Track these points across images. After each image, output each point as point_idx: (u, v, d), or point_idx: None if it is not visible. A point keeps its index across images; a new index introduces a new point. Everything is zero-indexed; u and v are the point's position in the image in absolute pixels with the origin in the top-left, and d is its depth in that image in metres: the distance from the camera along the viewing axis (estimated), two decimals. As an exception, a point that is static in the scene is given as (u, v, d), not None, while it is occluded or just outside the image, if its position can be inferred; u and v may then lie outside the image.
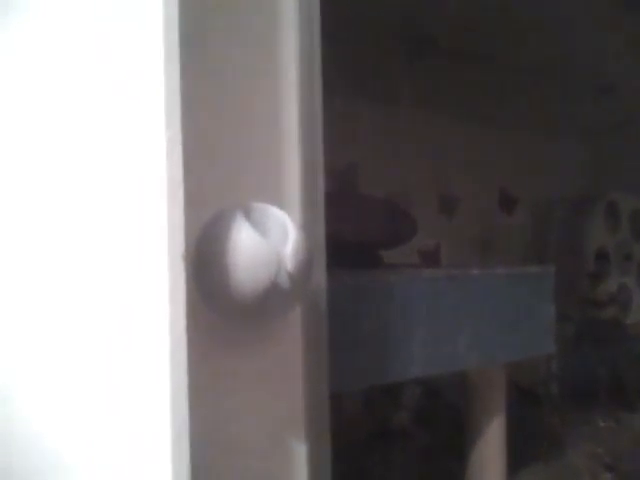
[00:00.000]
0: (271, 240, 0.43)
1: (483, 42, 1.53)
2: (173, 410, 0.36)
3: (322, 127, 0.53)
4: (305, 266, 0.44)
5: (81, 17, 0.47)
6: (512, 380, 0.94)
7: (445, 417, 1.05)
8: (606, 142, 2.02)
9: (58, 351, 0.48)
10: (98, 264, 0.44)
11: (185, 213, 0.37)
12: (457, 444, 0.95)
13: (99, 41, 0.44)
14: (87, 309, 0.45)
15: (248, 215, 0.43)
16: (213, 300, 0.43)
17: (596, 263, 1.67)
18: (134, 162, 0.40)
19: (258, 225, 0.43)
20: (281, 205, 0.48)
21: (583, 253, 1.67)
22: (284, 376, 0.51)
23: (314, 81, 0.53)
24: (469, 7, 1.41)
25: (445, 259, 1.59)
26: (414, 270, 0.70)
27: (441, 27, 1.52)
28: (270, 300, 0.43)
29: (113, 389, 0.42)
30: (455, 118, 1.73)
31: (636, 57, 1.65)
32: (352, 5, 1.33)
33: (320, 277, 0.53)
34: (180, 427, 0.37)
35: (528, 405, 1.12)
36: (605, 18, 1.47)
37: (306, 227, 0.51)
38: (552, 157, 1.85)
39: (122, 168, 0.41)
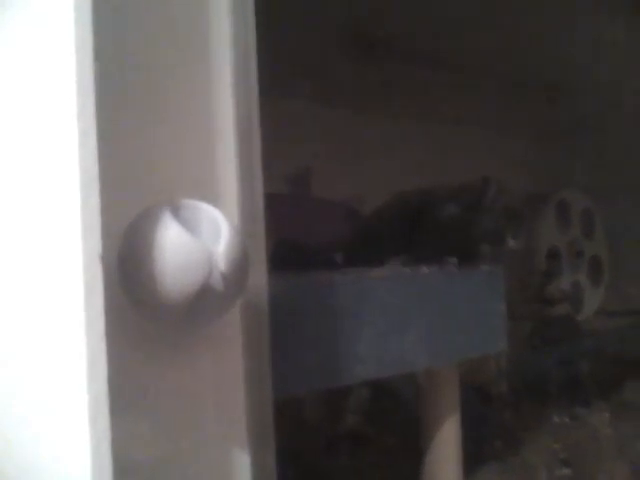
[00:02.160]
0: (202, 239, 0.40)
1: (432, 43, 1.53)
2: (92, 427, 0.33)
3: (259, 121, 0.51)
4: (240, 266, 0.42)
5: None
6: (466, 379, 0.93)
7: (403, 417, 1.04)
8: (557, 141, 2.05)
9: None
10: (12, 266, 0.40)
11: (103, 210, 0.34)
12: (415, 445, 0.94)
13: (8, 35, 0.41)
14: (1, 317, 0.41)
15: (177, 212, 0.40)
16: (140, 304, 0.40)
17: (548, 261, 1.69)
18: (48, 157, 0.37)
19: (188, 223, 0.41)
20: (215, 202, 0.45)
21: (535, 251, 1.68)
22: (223, 383, 0.48)
23: (249, 75, 0.51)
24: (419, 8, 1.41)
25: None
26: (361, 270, 0.68)
27: (390, 28, 1.52)
28: (203, 303, 0.41)
29: (29, 403, 0.39)
30: (407, 118, 1.73)
31: (586, 58, 1.68)
32: (301, 10, 1.32)
33: (260, 278, 0.51)
34: (100, 447, 0.34)
35: (482, 403, 1.11)
36: (557, 20, 1.49)
37: (244, 225, 0.49)
38: (503, 156, 1.87)
39: (37, 163, 0.38)
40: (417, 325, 0.71)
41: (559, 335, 1.53)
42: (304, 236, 1.32)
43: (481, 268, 0.81)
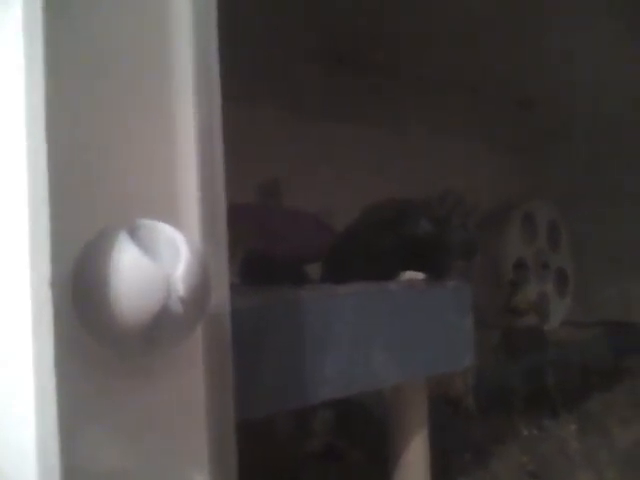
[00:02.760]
0: (160, 261, 0.39)
1: (401, 56, 1.54)
2: (40, 460, 0.32)
3: (222, 140, 0.50)
4: (200, 289, 0.41)
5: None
6: (434, 393, 0.93)
7: (373, 433, 1.03)
8: (524, 154, 2.08)
9: None
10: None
11: (53, 233, 0.33)
12: (384, 460, 0.93)
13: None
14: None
15: (134, 233, 0.39)
16: (96, 330, 0.39)
17: (515, 272, 1.70)
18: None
19: (146, 244, 0.39)
20: (176, 222, 0.44)
21: (502, 262, 1.70)
22: (184, 407, 0.47)
23: (212, 92, 0.49)
24: (387, 22, 1.42)
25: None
26: (328, 287, 0.67)
27: (358, 42, 1.52)
28: (161, 327, 0.39)
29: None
30: (377, 132, 1.73)
31: (554, 73, 1.70)
32: (271, 25, 1.32)
33: (223, 298, 0.49)
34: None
35: (451, 417, 1.11)
36: (525, 33, 1.51)
37: (205, 245, 0.47)
38: (471, 168, 1.88)
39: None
40: (383, 342, 0.70)
41: (526, 346, 1.54)
42: (274, 248, 1.30)
43: (448, 284, 0.81)
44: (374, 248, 0.95)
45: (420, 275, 0.82)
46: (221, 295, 0.49)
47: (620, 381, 1.71)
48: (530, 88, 1.81)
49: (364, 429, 1.01)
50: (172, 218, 0.44)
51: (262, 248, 1.31)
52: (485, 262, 1.73)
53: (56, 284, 0.33)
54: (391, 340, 0.72)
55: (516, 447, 1.21)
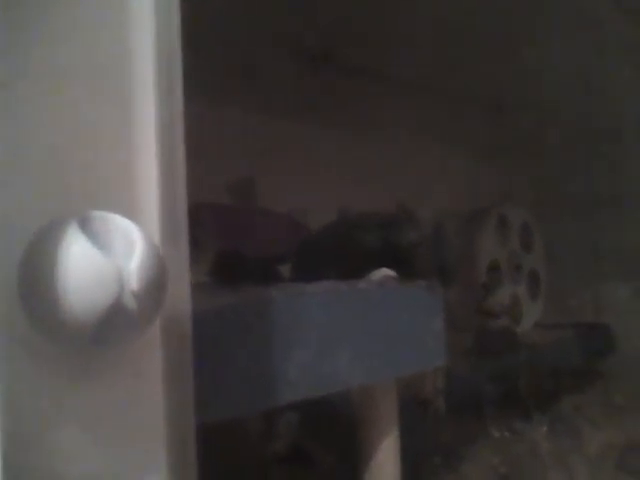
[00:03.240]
0: (113, 254, 0.37)
1: (373, 57, 1.54)
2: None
3: (183, 135, 0.48)
4: (155, 284, 0.39)
5: None
6: (405, 393, 0.92)
7: (342, 435, 1.02)
8: (497, 157, 2.09)
9: None
10: None
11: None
12: (353, 464, 0.92)
13: None
14: None
15: (85, 225, 0.37)
16: (44, 326, 0.37)
17: (488, 274, 1.71)
18: None
19: (98, 237, 0.37)
20: (133, 214, 0.42)
21: (476, 265, 1.70)
22: (140, 409, 0.45)
23: (173, 85, 0.48)
24: (360, 23, 1.41)
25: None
26: (296, 286, 0.65)
27: (335, 42, 1.52)
28: (114, 324, 0.38)
29: None
30: (352, 133, 1.73)
31: (528, 78, 1.71)
32: (247, 23, 1.31)
33: (183, 295, 0.48)
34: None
35: (422, 418, 1.10)
36: (496, 38, 1.52)
37: (165, 239, 0.46)
38: (446, 172, 1.89)
39: None
40: (351, 342, 0.69)
41: (499, 348, 1.54)
42: (246, 247, 1.29)
43: (419, 283, 0.80)
44: (356, 250, 0.95)
45: (392, 273, 0.81)
46: (181, 293, 0.48)
47: (591, 383, 1.72)
48: (504, 93, 1.82)
49: (333, 431, 1.00)
50: (129, 212, 0.43)
51: (235, 247, 1.29)
52: (459, 264, 1.73)
53: (1, 278, 0.31)
54: (360, 340, 0.70)
55: (487, 449, 1.21)
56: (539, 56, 1.60)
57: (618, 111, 1.93)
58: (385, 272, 0.82)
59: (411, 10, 1.34)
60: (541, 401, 1.44)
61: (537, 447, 1.23)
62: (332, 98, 1.60)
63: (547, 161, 2.09)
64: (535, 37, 1.53)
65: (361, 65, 1.60)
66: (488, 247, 1.74)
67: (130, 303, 0.37)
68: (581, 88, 1.78)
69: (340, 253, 0.93)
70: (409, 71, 1.61)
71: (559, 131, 1.98)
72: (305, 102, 1.56)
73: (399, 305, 0.77)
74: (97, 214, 0.38)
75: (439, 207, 1.77)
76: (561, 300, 2.05)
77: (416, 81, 1.65)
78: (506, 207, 1.82)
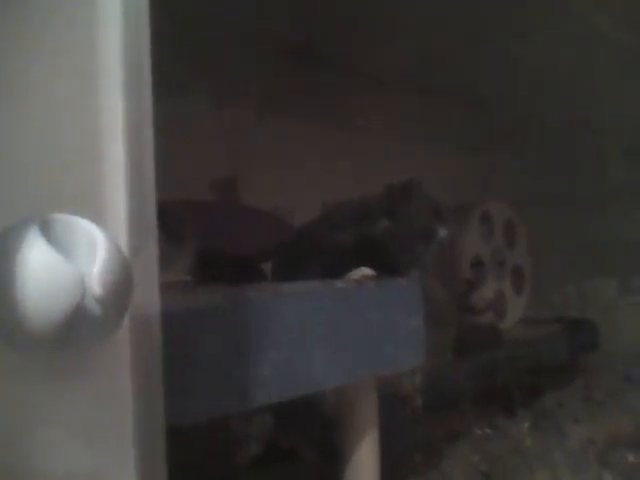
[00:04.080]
0: (75, 259, 0.37)
1: (358, 53, 1.54)
2: None
3: (151, 128, 0.47)
4: (119, 288, 0.38)
5: None
6: (386, 390, 0.92)
7: (324, 433, 1.01)
8: (480, 153, 2.09)
9: None
10: None
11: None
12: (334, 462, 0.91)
13: None
14: None
15: (46, 229, 0.37)
16: (3, 332, 0.36)
17: (472, 270, 1.71)
18: None
19: (59, 241, 0.37)
20: (99, 216, 0.42)
21: (459, 261, 1.70)
22: (109, 414, 0.44)
23: (141, 84, 0.47)
24: (344, 19, 1.41)
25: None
26: (271, 285, 0.65)
27: (319, 39, 1.51)
28: (76, 329, 0.37)
29: None
30: (337, 128, 1.72)
31: (510, 74, 1.72)
32: (230, 20, 1.30)
33: (151, 296, 0.47)
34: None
35: (402, 415, 1.10)
36: (480, 35, 1.51)
37: (133, 241, 0.45)
38: (427, 167, 1.89)
39: None
40: (329, 342, 0.69)
41: (482, 344, 1.54)
42: (229, 245, 1.28)
43: (398, 281, 0.80)
44: (329, 247, 0.93)
45: (370, 272, 0.80)
46: (150, 293, 0.47)
47: (574, 379, 1.73)
48: (487, 88, 1.82)
49: (312, 428, 1.00)
50: (96, 214, 0.42)
51: (217, 245, 1.28)
52: (442, 259, 1.73)
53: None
54: (337, 340, 0.70)
55: (468, 446, 1.21)
56: (522, 51, 1.60)
57: (601, 106, 1.94)
58: (364, 271, 0.81)
59: (395, 7, 1.34)
60: (524, 397, 1.44)
61: (519, 443, 1.24)
62: (316, 95, 1.60)
63: (530, 157, 2.09)
64: (518, 32, 1.53)
65: (347, 61, 1.59)
66: (471, 243, 1.74)
67: (93, 308, 0.37)
68: (565, 83, 1.78)
69: (317, 251, 0.92)
70: (392, 67, 1.61)
71: (542, 127, 1.99)
72: (288, 99, 1.56)
73: (377, 304, 0.76)
74: (58, 217, 0.38)
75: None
76: (545, 296, 2.06)
77: (399, 77, 1.64)
78: (489, 203, 1.83)
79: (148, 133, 0.48)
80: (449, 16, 1.37)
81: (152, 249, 0.47)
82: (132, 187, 0.45)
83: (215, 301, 0.57)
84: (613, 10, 1.42)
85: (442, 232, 0.93)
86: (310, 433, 0.95)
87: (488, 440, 1.25)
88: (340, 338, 0.70)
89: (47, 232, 0.36)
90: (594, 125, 2.02)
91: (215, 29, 1.31)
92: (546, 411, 1.46)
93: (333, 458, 0.89)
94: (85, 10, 0.44)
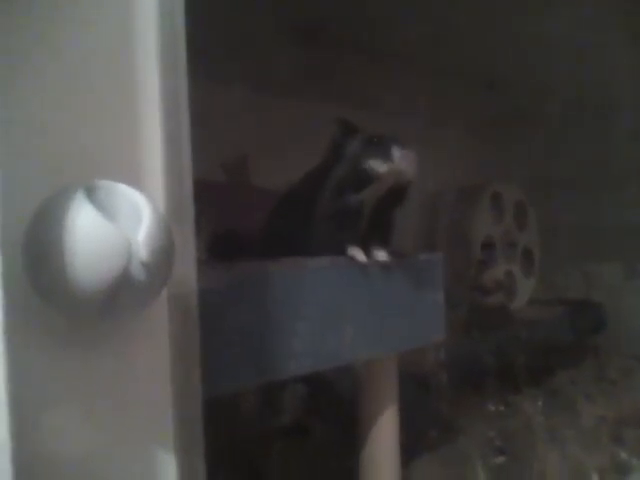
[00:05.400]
0: (120, 224, 0.37)
1: (368, 31, 1.52)
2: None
3: (188, 108, 0.47)
4: (163, 255, 0.38)
5: None
6: (404, 368, 0.92)
7: (342, 409, 1.02)
8: (491, 135, 2.08)
9: None
10: None
11: (3, 193, 0.30)
12: (353, 437, 0.92)
13: None
14: None
15: (92, 194, 0.37)
16: (50, 296, 0.36)
17: (483, 251, 1.71)
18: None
19: (105, 206, 0.37)
20: (139, 185, 0.42)
21: (470, 242, 1.70)
22: (148, 380, 0.44)
23: (177, 52, 0.47)
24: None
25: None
26: (297, 260, 0.65)
27: (324, 16, 1.50)
28: (122, 294, 0.37)
29: None
30: (345, 108, 1.71)
31: (522, 55, 1.70)
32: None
33: (188, 267, 0.47)
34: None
35: (420, 393, 1.11)
36: (492, 14, 1.50)
37: (170, 210, 0.45)
38: (440, 148, 1.88)
39: None
40: (353, 316, 0.69)
41: (493, 324, 1.55)
42: (245, 225, 1.28)
43: (419, 257, 0.80)
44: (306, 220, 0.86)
45: (383, 255, 0.76)
46: (187, 265, 0.47)
47: (584, 358, 1.74)
48: (499, 70, 1.80)
49: (333, 405, 1.00)
50: (135, 181, 0.42)
51: (231, 225, 1.28)
52: (454, 240, 1.73)
53: (6, 247, 0.31)
54: (362, 315, 0.70)
55: (483, 423, 1.22)
56: (534, 32, 1.59)
57: (613, 89, 1.93)
58: (355, 251, 0.76)
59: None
60: (535, 376, 1.45)
61: (532, 421, 1.24)
62: (329, 76, 1.59)
63: (541, 139, 2.08)
64: (529, 13, 1.52)
65: (353, 39, 1.58)
66: (482, 224, 1.74)
67: (139, 274, 0.37)
68: (576, 65, 1.77)
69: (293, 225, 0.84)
70: (403, 46, 1.59)
71: (553, 109, 1.97)
72: (300, 80, 1.55)
73: (401, 281, 0.77)
74: (103, 183, 0.38)
75: (435, 184, 1.77)
76: (554, 278, 2.06)
77: (410, 56, 1.63)
78: (500, 185, 1.82)
79: (184, 106, 0.48)
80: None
81: (189, 219, 0.48)
82: (169, 159, 0.45)
83: (247, 275, 0.57)
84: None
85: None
86: (331, 407, 0.96)
87: (502, 417, 1.26)
88: (366, 313, 0.70)
89: (93, 198, 0.36)
90: (602, 108, 2.01)
91: (227, 9, 1.30)
92: (557, 389, 1.46)
93: (352, 434, 0.90)
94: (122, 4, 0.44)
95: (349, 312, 0.68)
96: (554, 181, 2.11)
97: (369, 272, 0.72)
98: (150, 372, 0.44)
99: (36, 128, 0.37)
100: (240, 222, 1.30)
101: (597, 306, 1.94)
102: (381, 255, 0.75)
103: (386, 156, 0.73)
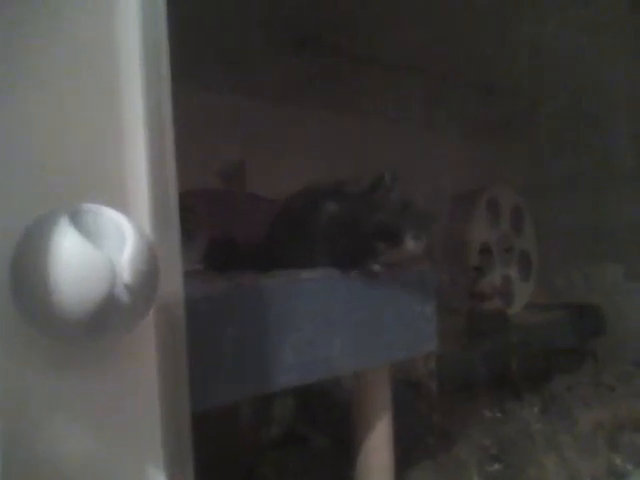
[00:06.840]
0: (104, 247, 0.37)
1: (363, 39, 1.53)
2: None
3: (172, 124, 0.48)
4: (148, 276, 0.39)
5: None
6: (397, 376, 0.93)
7: (338, 418, 1.02)
8: (488, 140, 2.09)
9: None
10: None
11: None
12: (348, 446, 0.92)
13: None
14: None
15: (77, 218, 0.37)
16: (35, 319, 0.37)
17: (480, 257, 1.71)
18: None
19: (89, 230, 0.37)
20: (124, 207, 0.42)
21: (467, 247, 1.70)
22: (136, 397, 0.45)
23: (161, 69, 0.47)
24: (350, 4, 1.40)
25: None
26: (290, 273, 0.65)
27: (320, 24, 1.51)
28: (107, 316, 0.38)
29: None
30: (344, 115, 1.72)
31: (518, 60, 1.71)
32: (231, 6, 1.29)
33: (175, 284, 0.48)
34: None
35: (415, 400, 1.11)
36: (489, 21, 1.51)
37: (156, 231, 0.45)
38: (437, 154, 1.88)
39: None
40: (344, 328, 0.69)
41: (490, 329, 1.55)
42: (238, 233, 1.28)
43: (412, 270, 0.80)
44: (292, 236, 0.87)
45: (377, 267, 0.78)
46: (174, 281, 0.48)
47: (582, 363, 1.74)
48: (494, 74, 1.81)
49: (327, 414, 1.01)
50: (120, 204, 0.42)
51: (227, 234, 1.29)
52: (451, 246, 1.73)
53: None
54: (353, 327, 0.71)
55: (479, 430, 1.22)
56: (530, 37, 1.59)
57: (608, 92, 1.93)
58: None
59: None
60: (532, 382, 1.45)
61: (529, 427, 1.25)
62: (322, 82, 1.59)
63: (536, 143, 2.09)
64: (526, 17, 1.53)
65: (349, 47, 1.59)
66: (479, 229, 1.75)
67: (123, 296, 0.37)
68: (572, 69, 1.78)
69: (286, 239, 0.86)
70: (399, 54, 1.60)
71: (549, 112, 1.98)
72: (293, 86, 1.55)
73: (393, 292, 0.77)
74: (88, 207, 0.38)
75: (428, 190, 1.77)
76: (551, 281, 2.07)
77: (406, 64, 1.64)
78: (496, 189, 1.83)
79: (168, 124, 0.48)
80: (463, 5, 1.37)
81: (175, 237, 0.48)
82: (154, 177, 0.46)
83: (238, 287, 0.58)
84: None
85: (411, 244, 0.83)
86: (324, 419, 0.96)
87: (498, 424, 1.26)
88: (357, 325, 0.71)
89: (77, 222, 0.37)
90: (601, 110, 2.01)
91: (219, 17, 1.31)
92: (556, 395, 1.46)
93: (346, 443, 0.90)
94: (103, 7, 0.44)
95: (341, 324, 0.68)
96: (553, 184, 2.12)
97: (361, 284, 0.73)
98: (138, 389, 0.45)
99: (21, 155, 0.37)
100: (237, 230, 1.30)
101: (596, 309, 1.94)
102: (376, 267, 0.76)
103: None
